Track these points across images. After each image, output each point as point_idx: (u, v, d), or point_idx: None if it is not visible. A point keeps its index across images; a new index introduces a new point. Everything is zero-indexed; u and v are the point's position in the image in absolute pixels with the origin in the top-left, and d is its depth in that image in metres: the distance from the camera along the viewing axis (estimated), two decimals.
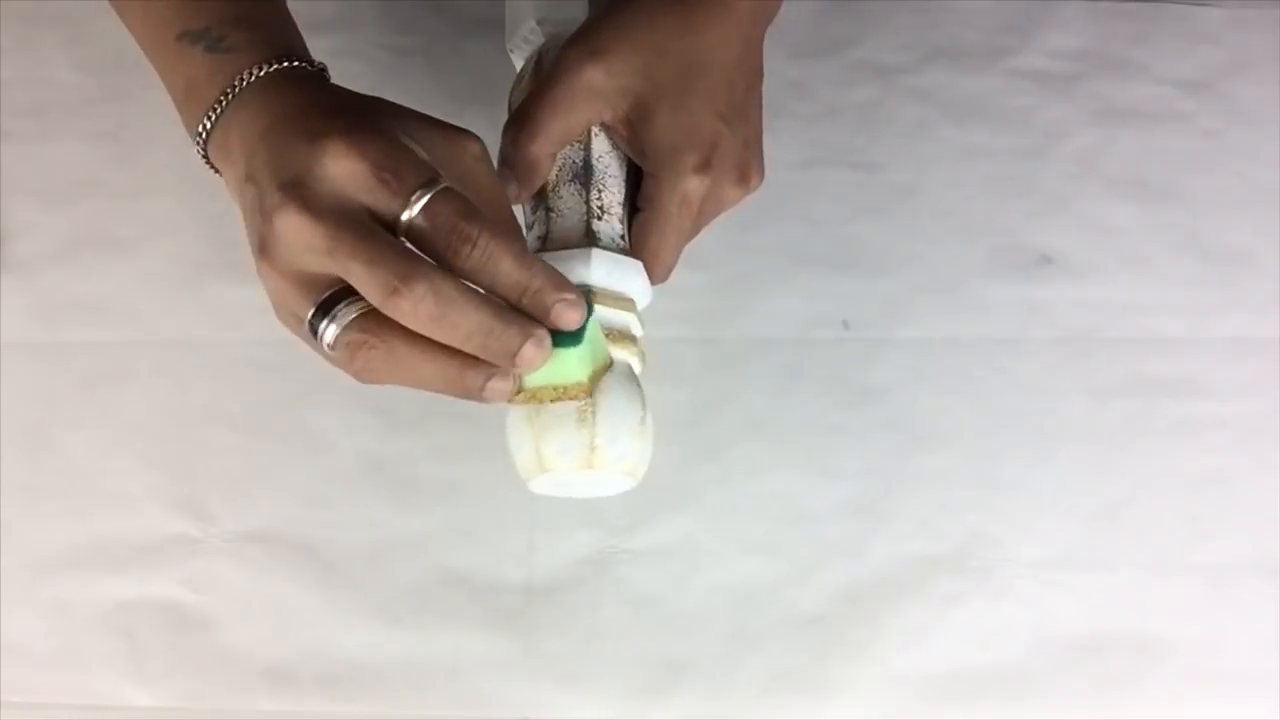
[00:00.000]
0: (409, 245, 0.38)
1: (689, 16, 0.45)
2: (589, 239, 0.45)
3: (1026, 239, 0.63)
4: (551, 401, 0.41)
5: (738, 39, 0.46)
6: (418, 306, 0.37)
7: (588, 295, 0.44)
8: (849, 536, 0.57)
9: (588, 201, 0.46)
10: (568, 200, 0.46)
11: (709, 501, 0.57)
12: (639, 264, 0.45)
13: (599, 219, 0.45)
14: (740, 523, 0.57)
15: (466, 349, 0.38)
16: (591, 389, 0.41)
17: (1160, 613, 0.55)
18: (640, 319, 0.46)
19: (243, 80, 0.42)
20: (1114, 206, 0.64)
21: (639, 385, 0.44)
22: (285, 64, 0.42)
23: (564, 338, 0.40)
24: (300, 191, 0.37)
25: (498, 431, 0.58)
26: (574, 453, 0.42)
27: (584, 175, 0.46)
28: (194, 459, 0.58)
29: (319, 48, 0.67)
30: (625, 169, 0.47)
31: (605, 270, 0.44)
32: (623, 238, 0.46)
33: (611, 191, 0.46)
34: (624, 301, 0.45)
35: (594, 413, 0.41)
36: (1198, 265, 0.63)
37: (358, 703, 0.54)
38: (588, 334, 0.40)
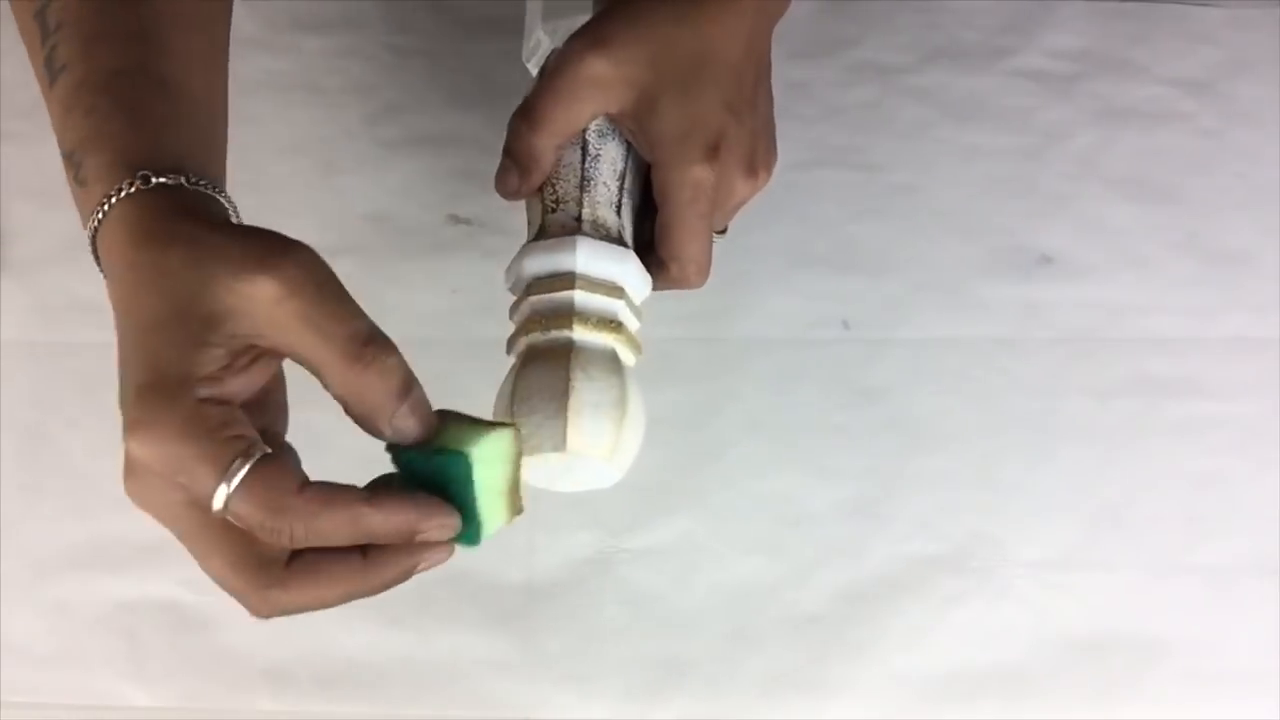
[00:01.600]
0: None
1: (695, 8, 0.45)
2: (577, 227, 0.45)
3: (1026, 239, 0.63)
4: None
5: (744, 31, 0.46)
6: (271, 614, 0.37)
7: (620, 293, 0.44)
8: (849, 536, 0.57)
9: (581, 192, 0.46)
10: (562, 192, 0.46)
11: (709, 501, 0.57)
12: (629, 252, 0.45)
13: (593, 209, 0.45)
14: (740, 523, 0.57)
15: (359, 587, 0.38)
16: (519, 506, 0.39)
17: (1160, 613, 0.55)
18: (635, 309, 0.46)
19: (96, 218, 0.39)
20: (1114, 206, 0.64)
21: (620, 373, 0.44)
22: (128, 190, 0.38)
23: (465, 534, 0.38)
24: (133, 479, 0.36)
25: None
26: (548, 435, 0.42)
27: (579, 167, 0.46)
28: None
29: (321, 47, 0.68)
30: (628, 163, 0.47)
31: (590, 257, 0.44)
32: (620, 230, 0.46)
33: (607, 183, 0.46)
34: (612, 289, 0.45)
35: (567, 397, 0.42)
36: (1198, 265, 0.63)
37: (358, 703, 0.54)
38: (483, 516, 0.38)
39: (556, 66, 0.45)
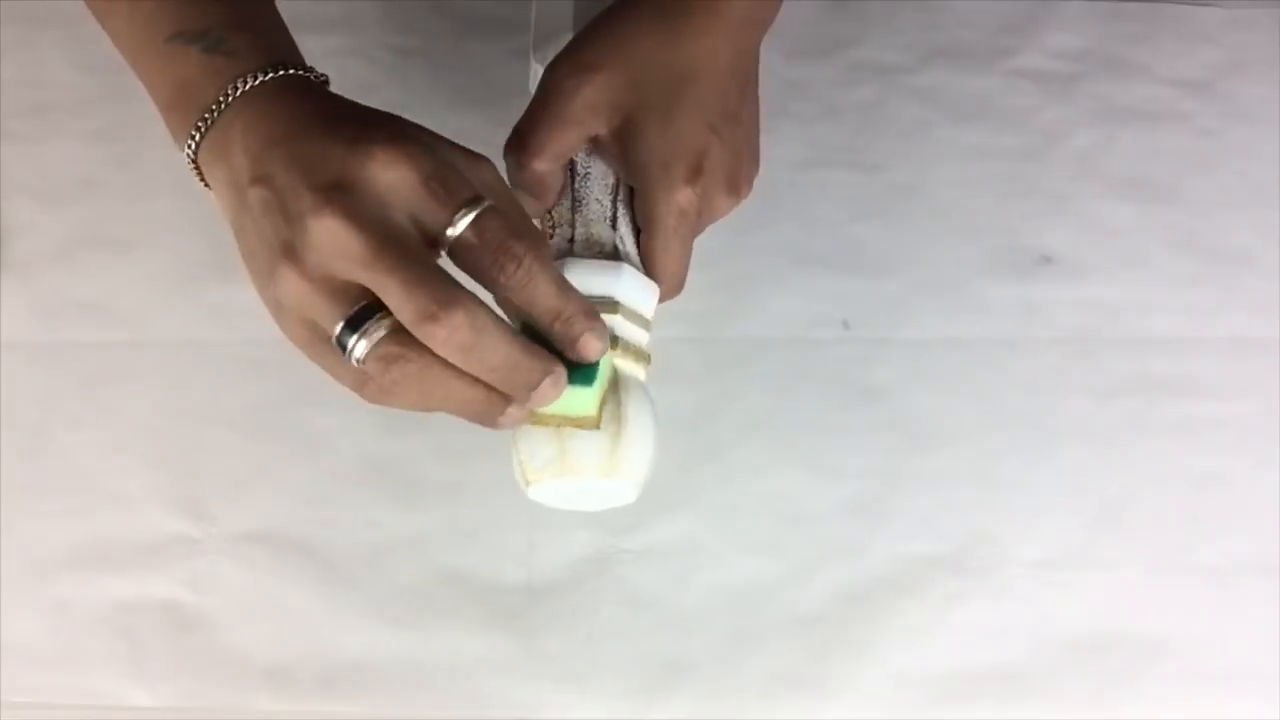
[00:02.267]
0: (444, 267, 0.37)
1: (676, 26, 0.45)
2: (616, 252, 0.45)
3: (1026, 239, 0.63)
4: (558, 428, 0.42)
5: (728, 47, 0.45)
6: (452, 335, 0.36)
7: (614, 307, 0.44)
8: (849, 536, 0.57)
9: (573, 213, 0.46)
10: (557, 216, 0.46)
11: (709, 501, 0.57)
12: (623, 265, 0.45)
13: (585, 227, 0.46)
14: (740, 523, 0.57)
15: (486, 379, 0.38)
16: (599, 420, 0.42)
17: (1160, 613, 0.55)
18: (638, 319, 0.46)
19: (245, 82, 0.40)
20: (1114, 206, 0.64)
21: (652, 404, 0.44)
22: (290, 71, 0.41)
23: (578, 374, 0.40)
24: (341, 197, 0.36)
25: (498, 432, 0.58)
26: (596, 458, 0.42)
27: (570, 188, 0.46)
28: (194, 459, 0.58)
29: (321, 48, 0.67)
30: (620, 174, 0.47)
31: (631, 287, 0.44)
32: (617, 243, 0.46)
33: (599, 199, 0.46)
34: (643, 320, 0.45)
35: (619, 423, 0.42)
36: (1198, 265, 0.63)
37: (358, 703, 0.54)
38: (601, 370, 0.41)
39: (543, 92, 0.45)
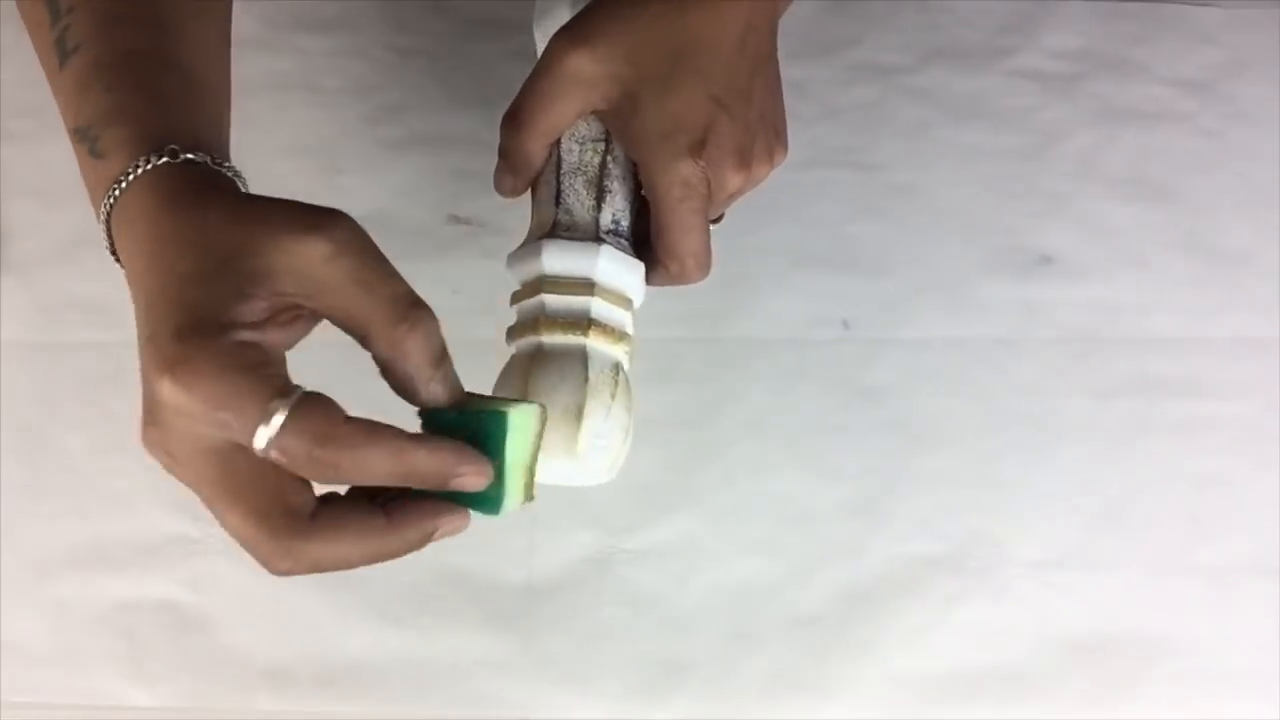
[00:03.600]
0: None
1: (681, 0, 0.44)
2: (597, 231, 0.45)
3: (1026, 239, 0.63)
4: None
5: (738, 21, 0.44)
6: (290, 571, 0.36)
7: (589, 288, 0.44)
8: (849, 536, 0.57)
9: (598, 194, 0.46)
10: (578, 191, 0.46)
11: (709, 501, 0.57)
12: (640, 265, 0.45)
13: (606, 211, 0.45)
14: (740, 523, 0.57)
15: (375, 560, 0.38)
16: (533, 493, 0.39)
17: (1160, 613, 0.55)
18: (634, 318, 0.46)
19: (117, 189, 0.38)
20: (1114, 206, 0.64)
21: (626, 384, 0.44)
22: (156, 162, 0.38)
23: (483, 502, 0.38)
24: (156, 427, 0.35)
25: None
26: (556, 437, 0.42)
27: (595, 167, 0.46)
28: None
29: (321, 48, 0.68)
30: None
31: (610, 267, 0.44)
32: (629, 234, 0.46)
33: (620, 186, 0.46)
34: (623, 300, 0.45)
35: (581, 406, 0.42)
36: (1198, 265, 0.63)
37: (358, 703, 0.54)
38: (506, 484, 0.38)
39: (540, 66, 0.44)
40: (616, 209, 0.46)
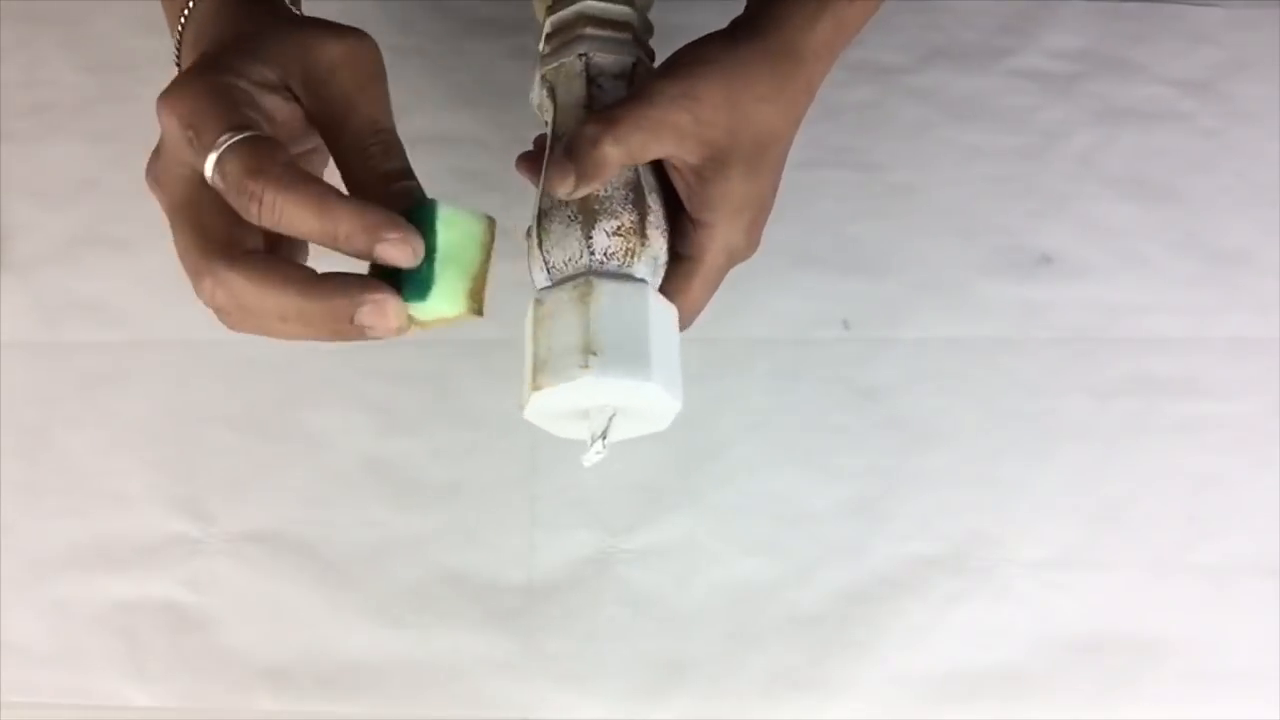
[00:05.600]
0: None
1: (781, 87, 0.46)
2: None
3: (1026, 239, 0.63)
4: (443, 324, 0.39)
5: (799, 119, 0.48)
6: (212, 303, 0.38)
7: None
8: (849, 536, 0.57)
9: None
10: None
11: (709, 501, 0.57)
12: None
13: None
14: (740, 523, 0.57)
15: (296, 332, 0.38)
16: (479, 307, 0.38)
17: (1160, 613, 0.55)
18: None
19: (183, 15, 0.42)
20: (1114, 206, 0.64)
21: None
22: None
23: (412, 283, 0.37)
24: (154, 156, 0.39)
25: (498, 432, 0.58)
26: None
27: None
28: (194, 459, 0.58)
29: None
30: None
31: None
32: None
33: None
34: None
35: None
36: (1198, 265, 0.63)
37: (358, 703, 0.54)
38: (437, 267, 0.37)
39: (647, 99, 0.45)
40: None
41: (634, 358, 0.42)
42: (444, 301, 0.37)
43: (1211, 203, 0.64)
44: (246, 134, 0.36)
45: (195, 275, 0.37)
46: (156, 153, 0.39)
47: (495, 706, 0.54)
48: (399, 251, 0.36)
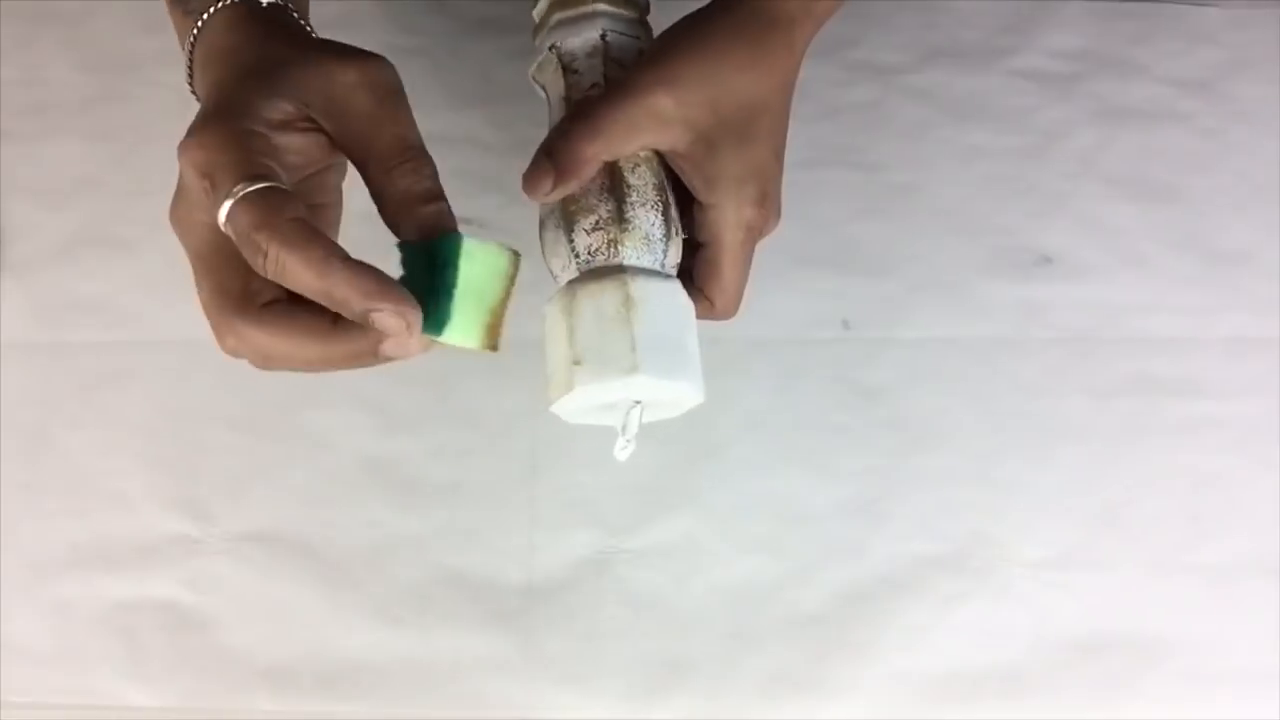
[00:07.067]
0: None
1: (759, 58, 0.46)
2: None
3: (1026, 239, 0.63)
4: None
5: (793, 79, 0.47)
6: (237, 352, 0.39)
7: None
8: (849, 536, 0.57)
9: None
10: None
11: (709, 501, 0.57)
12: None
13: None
14: (740, 523, 0.57)
15: (320, 369, 0.39)
16: (495, 343, 0.39)
17: (1160, 613, 0.55)
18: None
19: (198, 22, 0.42)
20: (1114, 206, 0.64)
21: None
22: (227, 1, 0.42)
23: (429, 320, 0.37)
24: (176, 200, 0.39)
25: (498, 432, 0.58)
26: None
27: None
28: (194, 459, 0.58)
29: None
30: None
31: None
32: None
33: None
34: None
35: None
36: (1198, 265, 0.63)
37: (358, 703, 0.54)
38: (455, 302, 0.38)
39: (625, 91, 0.45)
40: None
41: (675, 357, 0.43)
42: (459, 335, 0.38)
43: (1211, 203, 0.64)
44: (259, 185, 0.37)
45: (216, 330, 0.39)
46: (178, 196, 0.39)
47: (495, 706, 0.54)
48: (392, 322, 0.37)
